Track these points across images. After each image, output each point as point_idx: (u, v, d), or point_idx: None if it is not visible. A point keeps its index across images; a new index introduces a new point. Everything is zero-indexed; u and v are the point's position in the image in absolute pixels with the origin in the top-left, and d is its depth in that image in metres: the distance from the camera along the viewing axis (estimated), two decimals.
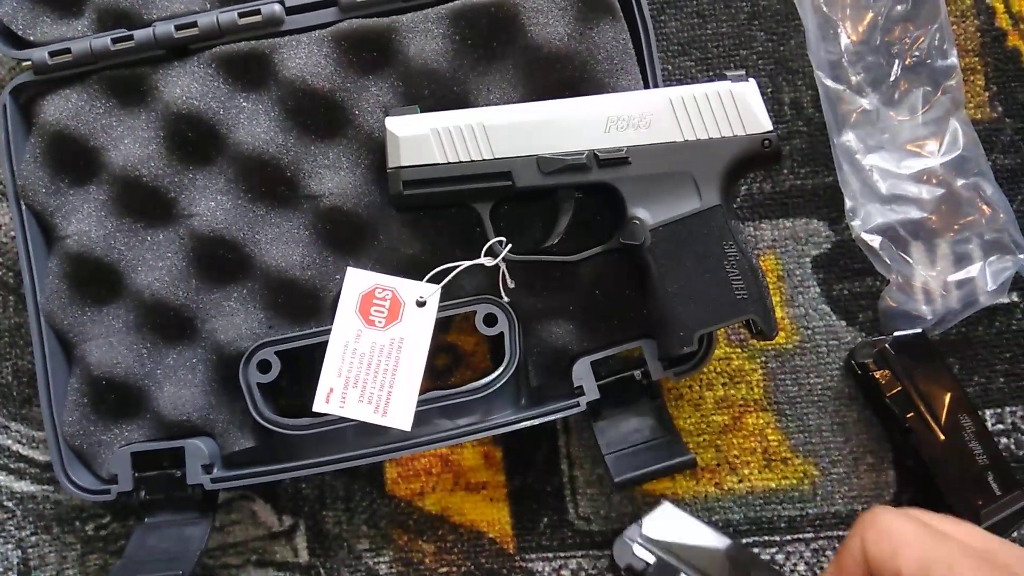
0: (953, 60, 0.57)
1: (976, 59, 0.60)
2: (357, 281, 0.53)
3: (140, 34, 0.54)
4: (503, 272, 0.53)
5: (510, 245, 0.52)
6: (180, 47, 0.55)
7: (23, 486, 0.59)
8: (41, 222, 0.55)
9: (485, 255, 0.52)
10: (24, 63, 0.55)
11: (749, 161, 0.50)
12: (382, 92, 0.55)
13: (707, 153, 0.50)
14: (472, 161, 0.50)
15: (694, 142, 0.50)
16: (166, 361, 0.54)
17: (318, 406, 0.52)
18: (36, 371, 0.53)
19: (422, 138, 0.50)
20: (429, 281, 0.53)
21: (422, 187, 0.50)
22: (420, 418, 0.53)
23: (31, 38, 0.56)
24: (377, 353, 0.53)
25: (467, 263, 0.52)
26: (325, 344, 0.53)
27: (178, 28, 0.54)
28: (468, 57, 0.55)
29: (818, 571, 0.57)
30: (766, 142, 0.50)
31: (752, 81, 0.51)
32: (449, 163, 0.50)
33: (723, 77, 0.51)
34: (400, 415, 0.52)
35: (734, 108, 0.50)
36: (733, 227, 0.50)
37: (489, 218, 0.51)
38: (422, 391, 0.53)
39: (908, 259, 0.56)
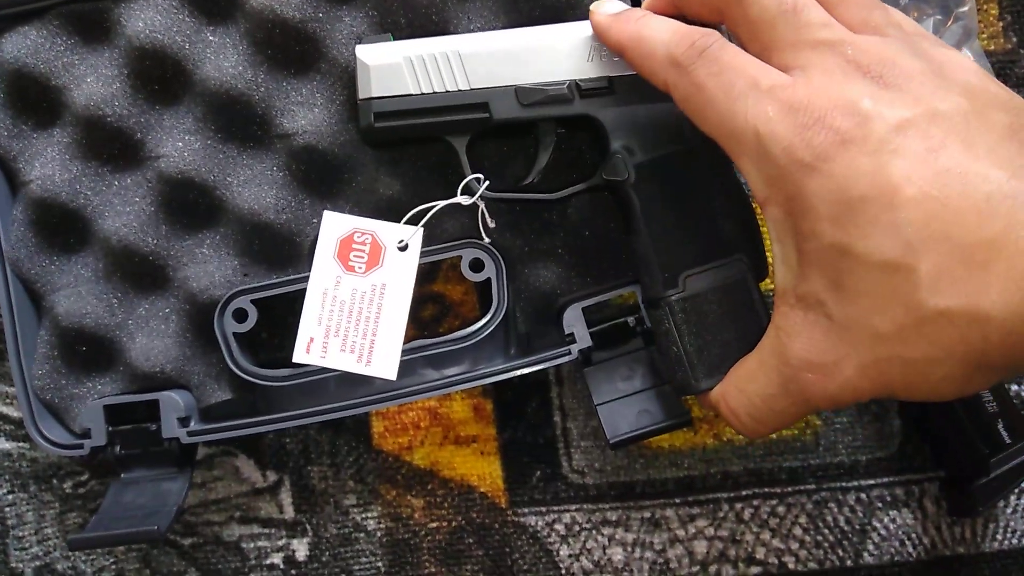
0: None
1: None
2: (335, 225, 0.51)
3: None
4: (482, 211, 0.50)
5: (488, 182, 0.49)
6: None
7: None
8: (4, 166, 0.52)
9: (462, 193, 0.49)
10: None
11: None
12: (356, 22, 0.52)
13: None
14: (447, 92, 0.47)
15: None
16: (138, 311, 0.52)
17: (298, 356, 0.50)
18: (3, 323, 0.51)
19: (394, 67, 0.47)
20: (407, 223, 0.50)
21: (394, 119, 0.47)
22: (405, 368, 0.50)
23: None
24: (358, 300, 0.50)
25: (443, 202, 0.50)
26: (304, 292, 0.50)
27: None
28: None
29: (820, 524, 0.55)
30: None
31: None
32: (423, 94, 0.47)
33: None
34: (385, 364, 0.50)
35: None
36: (722, 164, 0.47)
37: (466, 154, 0.49)
38: (407, 340, 0.50)
39: None
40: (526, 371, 0.50)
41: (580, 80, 0.47)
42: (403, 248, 0.51)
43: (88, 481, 0.56)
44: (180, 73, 0.52)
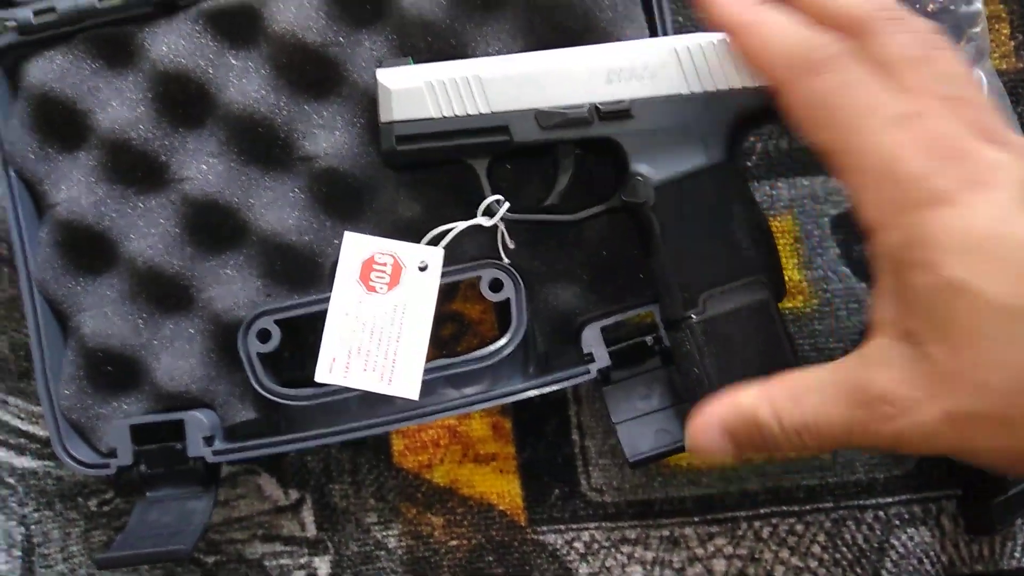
0: (977, 6, 0.54)
1: (1001, 6, 0.57)
2: (356, 246, 0.51)
3: None
4: (502, 232, 0.51)
5: (508, 204, 0.50)
6: (168, 3, 0.52)
7: (24, 462, 0.57)
8: (31, 189, 0.53)
9: (482, 214, 0.50)
10: (8, 23, 0.53)
11: (759, 114, 0.47)
12: (376, 46, 0.52)
13: (714, 105, 0.47)
14: (468, 115, 0.48)
15: (701, 94, 0.47)
16: (163, 331, 0.53)
17: (320, 376, 0.50)
18: (31, 344, 0.52)
19: (415, 91, 0.48)
20: (427, 244, 0.51)
21: (416, 142, 0.48)
22: (425, 388, 0.51)
23: None
24: (380, 320, 0.51)
25: (463, 224, 0.50)
26: (326, 312, 0.51)
27: None
28: (465, 7, 0.52)
29: (838, 542, 0.56)
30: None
31: None
32: (444, 117, 0.48)
33: None
34: (406, 384, 0.51)
35: (742, 58, 0.46)
36: (740, 184, 0.47)
37: (486, 176, 0.49)
38: (428, 360, 0.51)
39: None
40: (545, 390, 0.51)
41: (599, 103, 0.48)
42: (424, 269, 0.51)
43: (113, 499, 0.57)
44: (204, 97, 0.52)
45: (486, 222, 0.50)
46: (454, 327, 0.57)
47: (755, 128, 0.51)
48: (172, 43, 0.52)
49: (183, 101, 0.53)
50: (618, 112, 0.48)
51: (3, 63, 0.53)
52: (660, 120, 0.47)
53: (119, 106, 0.52)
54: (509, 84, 0.48)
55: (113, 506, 0.57)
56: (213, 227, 0.53)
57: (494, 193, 0.50)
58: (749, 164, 0.57)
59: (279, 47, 0.52)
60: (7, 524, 0.57)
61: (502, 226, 0.51)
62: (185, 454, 0.51)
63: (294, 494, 0.57)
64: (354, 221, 0.53)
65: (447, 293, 0.57)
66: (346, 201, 0.53)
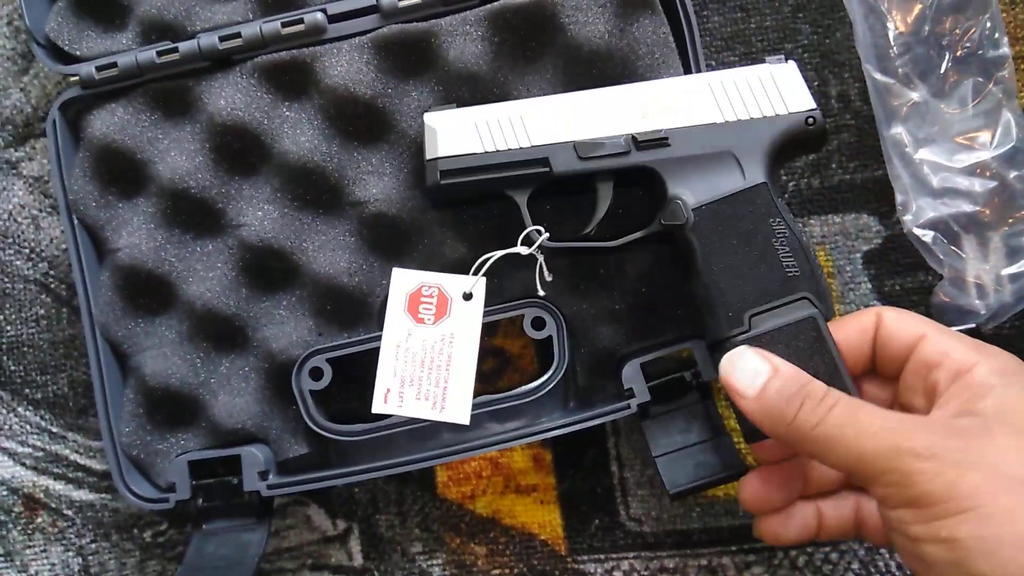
0: (1005, 50, 0.55)
1: None
2: (403, 281, 0.54)
3: (185, 46, 0.55)
4: (540, 264, 0.52)
5: (547, 234, 0.51)
6: (223, 58, 0.55)
7: (82, 495, 0.60)
8: (92, 235, 0.56)
9: (521, 243, 0.51)
10: (71, 78, 0.56)
11: (793, 140, 0.49)
12: (423, 96, 0.55)
13: (749, 132, 0.49)
14: (509, 149, 0.50)
15: (735, 122, 0.49)
16: (219, 370, 0.55)
17: (377, 407, 0.52)
18: (93, 383, 0.54)
19: (459, 129, 0.50)
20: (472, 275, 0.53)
21: (459, 176, 0.50)
22: (471, 422, 0.53)
23: (77, 53, 0.56)
24: (429, 350, 0.53)
25: (502, 252, 0.52)
26: (375, 351, 0.53)
27: (222, 39, 0.54)
28: (508, 58, 0.54)
29: (872, 569, 0.57)
30: (810, 119, 0.49)
31: (792, 62, 0.50)
32: (486, 152, 0.50)
33: (762, 62, 0.51)
34: (457, 409, 0.53)
35: (774, 88, 0.50)
36: (780, 205, 0.48)
37: (526, 207, 0.51)
38: (472, 397, 0.53)
39: (961, 253, 0.55)
40: (586, 425, 0.52)
41: (636, 133, 0.49)
42: (468, 298, 0.53)
43: (167, 531, 0.59)
44: (259, 146, 0.55)
45: (525, 251, 0.52)
46: (495, 362, 0.59)
47: (792, 155, 0.51)
48: (229, 96, 0.54)
49: (239, 151, 0.55)
50: (655, 140, 0.49)
51: (67, 115, 0.56)
52: (696, 147, 0.49)
53: (178, 156, 0.55)
54: (549, 120, 0.50)
55: (167, 537, 0.59)
56: (267, 270, 0.55)
57: (534, 225, 0.51)
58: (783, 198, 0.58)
59: (331, 99, 0.54)
60: (65, 555, 0.59)
61: (541, 257, 0.52)
62: (241, 488, 0.53)
63: (342, 524, 0.59)
64: (402, 262, 0.55)
65: (489, 329, 0.58)
66: (394, 243, 0.55)
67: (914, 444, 0.37)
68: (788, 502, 0.48)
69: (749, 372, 0.43)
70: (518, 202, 0.51)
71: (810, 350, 0.45)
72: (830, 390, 0.41)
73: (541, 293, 0.53)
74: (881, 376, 0.47)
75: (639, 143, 0.49)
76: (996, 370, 0.41)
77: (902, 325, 0.45)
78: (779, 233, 0.48)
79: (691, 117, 0.49)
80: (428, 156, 0.50)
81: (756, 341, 0.46)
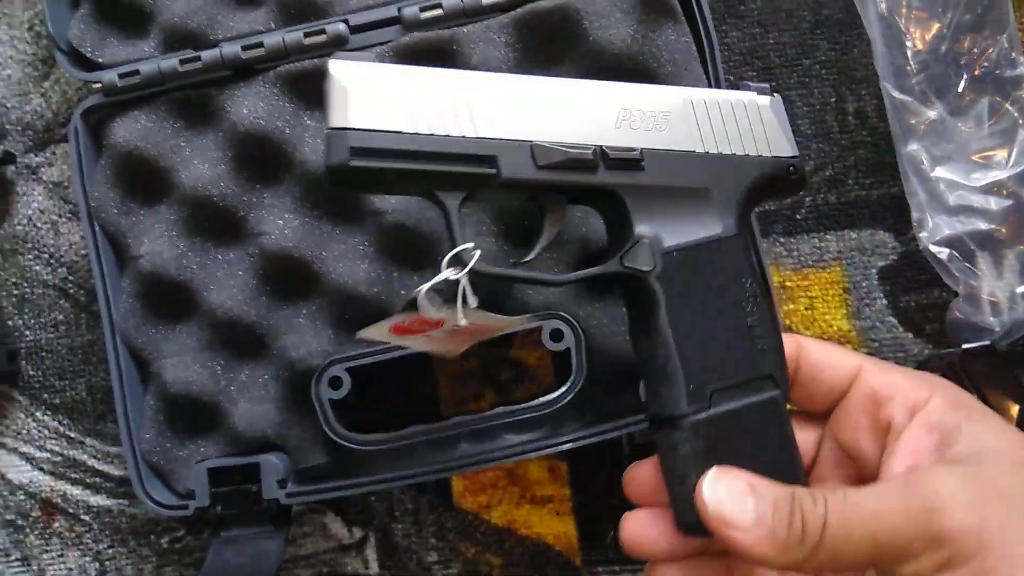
0: (1022, 70, 0.56)
1: None
2: (377, 333, 0.43)
3: (207, 55, 0.55)
4: (463, 288, 0.40)
5: (479, 253, 0.40)
6: (246, 67, 0.55)
7: (99, 500, 0.60)
8: (114, 242, 0.56)
9: (448, 265, 0.40)
10: (94, 85, 0.56)
11: (771, 186, 0.44)
12: None
13: (728, 170, 0.42)
14: (448, 136, 0.38)
15: (715, 156, 0.42)
16: (239, 378, 0.55)
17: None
18: (113, 389, 0.54)
19: (383, 95, 0.38)
20: (405, 310, 0.41)
21: (375, 159, 0.37)
22: (487, 433, 0.53)
23: (100, 60, 0.57)
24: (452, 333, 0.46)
25: (428, 284, 0.40)
26: (392, 360, 0.53)
27: (245, 49, 0.55)
28: (531, 63, 0.55)
29: None
30: (792, 168, 0.43)
31: (778, 97, 0.45)
32: (417, 134, 0.38)
33: (745, 86, 0.44)
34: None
35: (760, 124, 0.43)
36: (753, 263, 0.42)
37: (457, 215, 0.39)
38: (489, 406, 0.53)
39: (976, 271, 0.56)
40: (603, 437, 0.52)
41: (608, 146, 0.40)
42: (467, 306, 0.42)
43: (184, 537, 0.59)
44: (280, 156, 0.55)
45: (452, 275, 0.40)
46: (512, 372, 0.59)
47: (764, 200, 0.46)
48: (251, 105, 0.55)
49: (261, 159, 0.55)
50: (628, 160, 0.40)
51: (89, 122, 0.57)
52: (673, 177, 0.41)
53: (200, 164, 0.55)
54: (503, 107, 0.39)
55: (184, 543, 0.59)
56: (287, 279, 0.55)
57: (472, 225, 0.43)
58: (798, 217, 0.59)
59: None
60: (82, 560, 0.60)
61: (464, 282, 0.40)
62: (260, 496, 0.53)
63: (358, 533, 0.59)
64: (421, 272, 0.55)
65: (505, 340, 0.59)
66: (413, 253, 0.55)
67: (926, 500, 0.34)
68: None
69: (737, 497, 0.36)
70: (447, 207, 0.39)
71: (767, 436, 0.39)
72: (812, 490, 0.36)
73: (463, 322, 0.41)
74: (801, 409, 0.43)
75: (610, 160, 0.40)
76: (952, 402, 0.39)
77: (832, 357, 0.41)
78: (750, 296, 0.41)
79: (668, 139, 0.41)
80: (333, 123, 0.37)
81: (714, 424, 0.39)
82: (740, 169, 0.42)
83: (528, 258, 0.43)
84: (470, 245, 0.40)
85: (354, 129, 0.37)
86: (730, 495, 0.36)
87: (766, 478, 0.37)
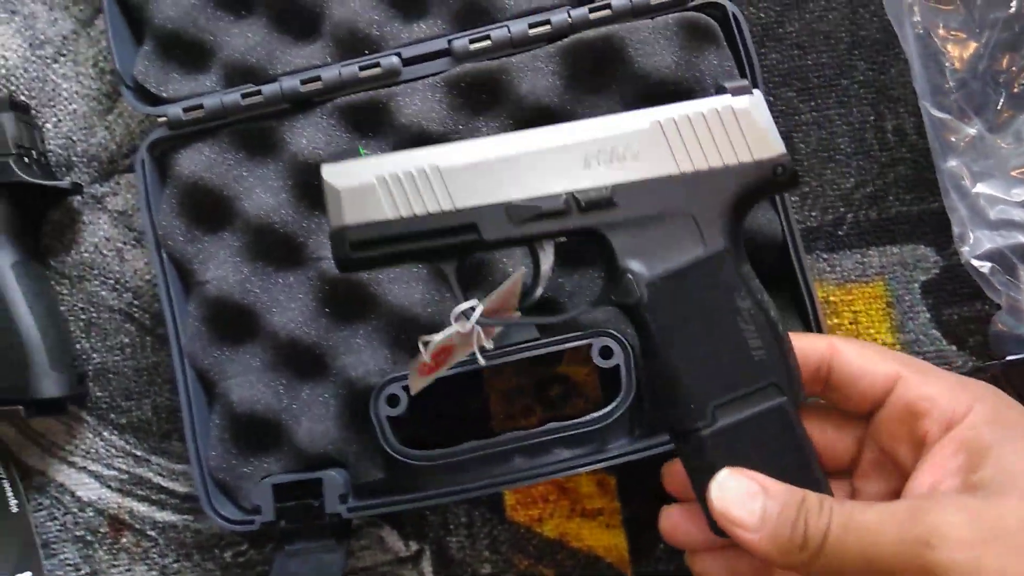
0: None
1: None
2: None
3: (268, 89, 0.58)
4: (478, 334, 0.45)
5: (481, 308, 0.44)
6: (304, 100, 0.58)
7: (165, 516, 0.62)
8: (180, 268, 0.59)
9: (455, 320, 0.44)
10: (159, 119, 0.59)
11: (758, 192, 0.43)
12: (492, 131, 0.57)
13: (709, 187, 0.42)
14: (429, 214, 0.42)
15: (692, 174, 0.42)
16: (301, 397, 0.57)
17: None
18: (181, 409, 0.57)
19: (367, 189, 0.42)
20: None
21: (373, 248, 0.42)
22: (539, 448, 0.55)
23: (163, 95, 0.59)
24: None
25: (441, 335, 0.45)
26: (445, 377, 0.55)
27: (303, 82, 0.57)
28: (578, 91, 0.57)
29: None
30: (779, 169, 0.42)
31: (757, 92, 0.43)
32: (403, 218, 0.42)
33: (722, 89, 0.43)
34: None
35: (737, 129, 0.43)
36: (744, 274, 0.43)
37: (456, 278, 0.44)
38: (538, 422, 0.55)
39: (1018, 283, 0.57)
40: (653, 452, 0.54)
41: (577, 191, 0.42)
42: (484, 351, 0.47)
43: (247, 551, 0.61)
44: None
45: (465, 328, 0.44)
46: (561, 389, 0.61)
47: (756, 203, 0.45)
48: (310, 136, 0.57)
49: (319, 187, 0.57)
50: (599, 200, 0.42)
51: (154, 154, 0.59)
52: (648, 207, 0.42)
53: (262, 193, 0.58)
54: (474, 175, 0.42)
55: (247, 557, 0.61)
56: (345, 301, 0.57)
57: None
58: (840, 233, 0.60)
59: (405, 135, 0.57)
60: (149, 573, 0.62)
61: (479, 329, 0.45)
62: (322, 510, 0.55)
63: (414, 545, 0.61)
64: (474, 293, 0.57)
65: (554, 356, 0.60)
66: (466, 274, 0.57)
67: (922, 531, 0.35)
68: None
69: (744, 498, 0.38)
70: (445, 271, 0.44)
71: (777, 442, 0.41)
72: (823, 497, 0.38)
73: (482, 363, 0.46)
74: (841, 408, 0.44)
75: (581, 204, 0.42)
76: (989, 419, 0.38)
77: (869, 363, 0.42)
78: (744, 309, 0.42)
79: (641, 168, 0.42)
80: (332, 224, 0.42)
81: (720, 436, 0.41)
82: (720, 183, 0.42)
83: (535, 296, 0.45)
84: (473, 302, 0.44)
85: (350, 227, 0.42)
86: (737, 495, 0.39)
87: (780, 481, 0.39)
